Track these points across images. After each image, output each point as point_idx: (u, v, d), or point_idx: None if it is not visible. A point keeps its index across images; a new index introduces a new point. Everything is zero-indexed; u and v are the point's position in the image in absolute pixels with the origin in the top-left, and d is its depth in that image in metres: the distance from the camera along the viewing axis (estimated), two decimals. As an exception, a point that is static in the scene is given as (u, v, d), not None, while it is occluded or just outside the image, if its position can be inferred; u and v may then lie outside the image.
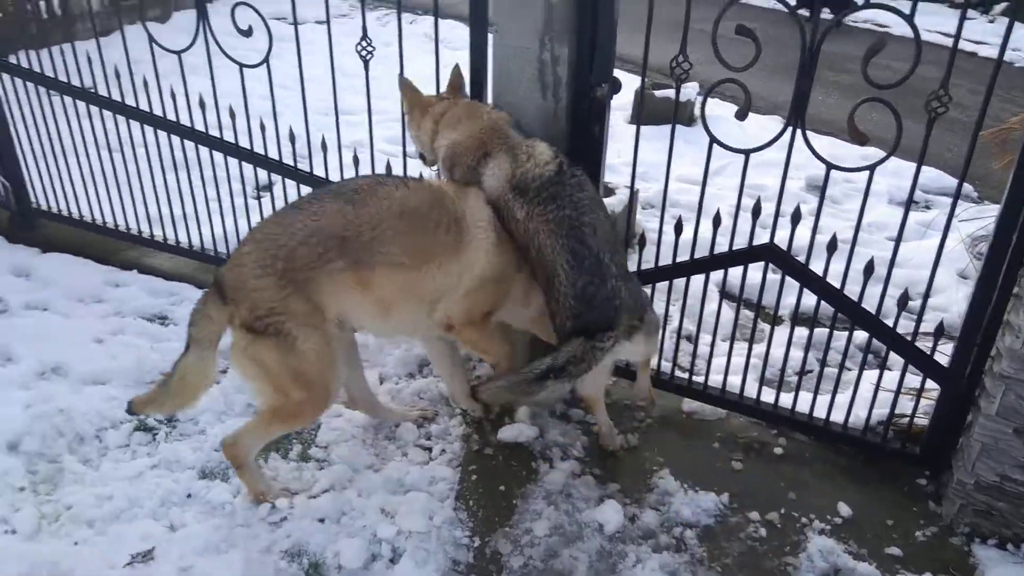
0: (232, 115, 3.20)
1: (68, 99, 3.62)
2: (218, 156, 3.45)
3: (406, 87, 2.80)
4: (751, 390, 2.83)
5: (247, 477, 2.47)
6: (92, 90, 3.52)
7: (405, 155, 3.13)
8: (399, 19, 2.89)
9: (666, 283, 2.86)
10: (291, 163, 3.31)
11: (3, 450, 2.63)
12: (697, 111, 5.90)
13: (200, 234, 3.66)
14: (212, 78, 3.11)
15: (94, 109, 3.60)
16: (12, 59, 3.69)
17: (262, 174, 3.49)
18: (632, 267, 2.91)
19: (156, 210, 3.82)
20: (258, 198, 3.76)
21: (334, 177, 3.15)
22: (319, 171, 3.32)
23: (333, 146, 3.15)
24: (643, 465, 2.70)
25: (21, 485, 2.52)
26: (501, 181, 2.39)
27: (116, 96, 3.45)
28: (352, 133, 3.78)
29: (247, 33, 2.86)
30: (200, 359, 2.32)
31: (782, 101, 6.41)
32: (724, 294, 2.89)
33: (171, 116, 3.38)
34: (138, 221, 3.80)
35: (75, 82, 3.53)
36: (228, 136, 3.35)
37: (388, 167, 3.09)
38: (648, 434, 2.84)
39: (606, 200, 3.92)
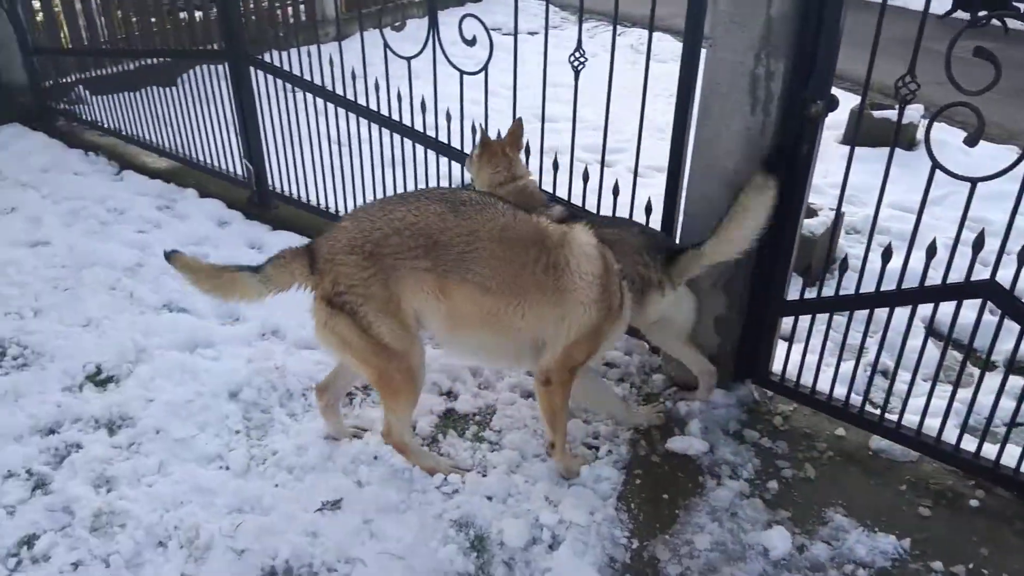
0: (448, 118, 3.45)
1: (307, 96, 4.06)
2: (431, 155, 3.72)
3: (484, 139, 3.09)
4: (950, 436, 2.61)
5: (412, 458, 2.63)
6: (329, 88, 3.92)
7: (603, 163, 3.20)
8: (614, 32, 2.96)
9: (866, 312, 2.71)
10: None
11: (225, 397, 3.01)
12: (919, 135, 5.49)
13: None
14: (435, 82, 3.37)
15: (329, 106, 4.01)
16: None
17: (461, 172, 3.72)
18: (830, 292, 2.81)
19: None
20: None
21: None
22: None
23: (535, 150, 3.30)
24: (818, 497, 2.58)
25: (237, 429, 2.87)
26: None
27: (349, 95, 3.82)
28: (553, 139, 3.91)
29: (471, 43, 3.07)
30: (252, 286, 2.46)
31: (1020, 130, 5.81)
32: (931, 331, 2.69)
33: (395, 116, 3.69)
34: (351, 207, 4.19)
35: (315, 80, 3.95)
36: (442, 137, 3.60)
37: (586, 173, 3.19)
38: (827, 467, 2.71)
39: (807, 221, 3.78)
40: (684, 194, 2.84)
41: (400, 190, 3.85)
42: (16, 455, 2.70)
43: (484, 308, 2.36)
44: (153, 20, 6.35)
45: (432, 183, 3.74)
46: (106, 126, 5.43)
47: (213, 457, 2.72)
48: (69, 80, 5.79)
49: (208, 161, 4.82)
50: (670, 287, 2.62)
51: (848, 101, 3.86)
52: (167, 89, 4.87)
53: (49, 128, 5.62)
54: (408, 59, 3.40)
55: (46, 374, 3.12)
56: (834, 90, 2.52)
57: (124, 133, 5.29)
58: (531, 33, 8.79)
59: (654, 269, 2.60)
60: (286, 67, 4.01)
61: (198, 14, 5.61)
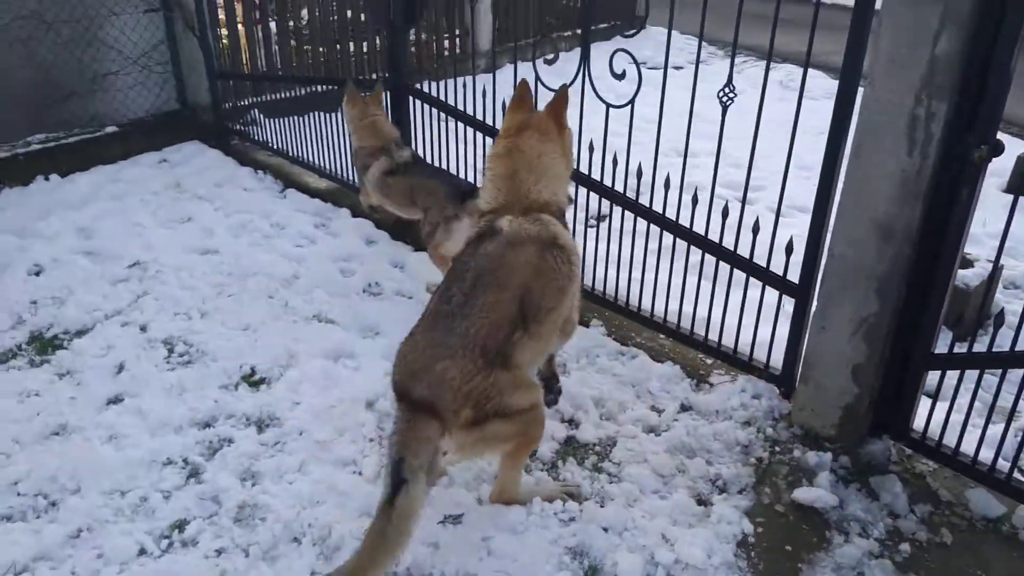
0: (591, 148, 3.53)
1: (458, 124, 4.26)
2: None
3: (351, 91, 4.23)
4: None
5: (524, 500, 2.61)
6: (479, 119, 4.10)
7: (745, 200, 3.17)
8: (767, 68, 2.93)
9: (1021, 372, 2.52)
10: (632, 197, 3.53)
11: (363, 405, 3.19)
12: (1100, 185, 5.03)
13: None
14: (580, 114, 3.46)
15: (478, 134, 4.18)
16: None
17: (600, 204, 3.78)
18: (982, 348, 2.63)
19: None
20: (596, 226, 4.07)
21: (669, 212, 3.32)
22: (662, 208, 3.46)
23: (675, 184, 3.31)
24: (953, 564, 2.42)
25: (371, 437, 3.03)
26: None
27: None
28: (694, 174, 3.89)
29: (620, 76, 3.14)
30: (422, 490, 2.14)
31: None
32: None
33: None
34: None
35: (468, 110, 4.14)
36: (583, 168, 3.67)
37: (725, 209, 3.16)
38: (966, 534, 2.53)
39: (962, 272, 3.56)
40: (829, 235, 2.75)
41: None
42: (175, 444, 2.98)
43: (555, 322, 2.53)
44: (323, 50, 6.88)
45: (570, 213, 3.82)
46: (275, 147, 5.91)
47: (348, 461, 2.89)
48: (246, 103, 6.35)
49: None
50: (464, 216, 3.66)
51: (1015, 147, 3.60)
52: (330, 115, 5.25)
53: (225, 146, 6.18)
54: (555, 91, 3.51)
55: (207, 371, 3.43)
56: (1000, 135, 2.40)
57: (290, 154, 5.73)
58: (676, 68, 8.77)
59: (453, 208, 3.78)
60: (441, 96, 4.24)
61: (363, 45, 6.01)
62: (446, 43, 8.46)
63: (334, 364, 3.46)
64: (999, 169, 5.42)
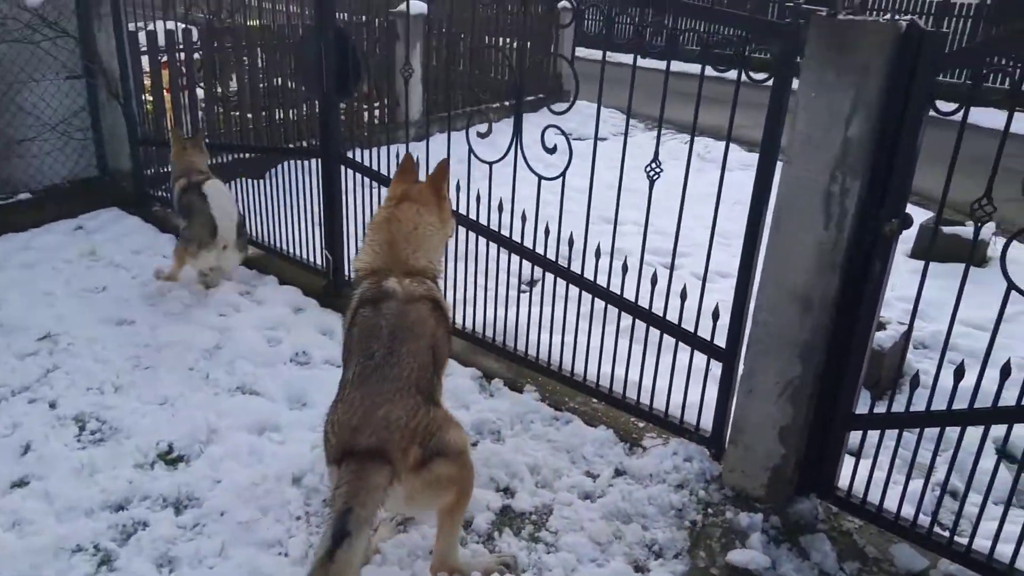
0: (524, 219, 3.60)
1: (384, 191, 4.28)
2: (496, 251, 3.85)
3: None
4: (1005, 554, 2.46)
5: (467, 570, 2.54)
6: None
7: (673, 267, 3.26)
8: (691, 145, 3.07)
9: (936, 430, 2.63)
10: (564, 264, 3.58)
11: (289, 482, 3.06)
12: (990, 251, 5.38)
13: (467, 317, 4.07)
14: (513, 184, 3.52)
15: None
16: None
17: (531, 270, 3.84)
18: (899, 408, 2.74)
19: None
20: (528, 291, 4.10)
21: (600, 279, 3.38)
22: (592, 275, 3.51)
23: (606, 251, 3.40)
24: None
25: (298, 515, 2.91)
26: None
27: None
28: (621, 242, 3.97)
29: (552, 151, 3.22)
30: (363, 547, 2.07)
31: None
32: (1003, 452, 2.59)
33: (473, 216, 3.85)
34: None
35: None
36: (512, 234, 3.73)
37: (654, 276, 3.25)
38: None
39: (877, 334, 3.72)
40: (753, 303, 2.85)
41: (471, 285, 3.99)
42: (86, 529, 2.79)
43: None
44: (251, 116, 6.85)
45: (503, 278, 3.87)
46: (197, 214, 5.78)
47: (273, 543, 2.76)
48: (168, 169, 6.22)
49: (289, 250, 5.07)
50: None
51: (918, 215, 3.83)
52: (256, 181, 5.20)
53: (146, 213, 6.02)
54: (491, 163, 3.58)
55: (121, 449, 3.25)
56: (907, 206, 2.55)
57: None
58: (601, 139, 9.08)
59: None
60: (372, 165, 4.26)
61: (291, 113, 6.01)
62: (377, 112, 8.56)
63: (258, 438, 3.33)
64: (906, 236, 5.74)
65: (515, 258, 3.79)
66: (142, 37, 6.04)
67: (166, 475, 3.11)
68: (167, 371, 3.86)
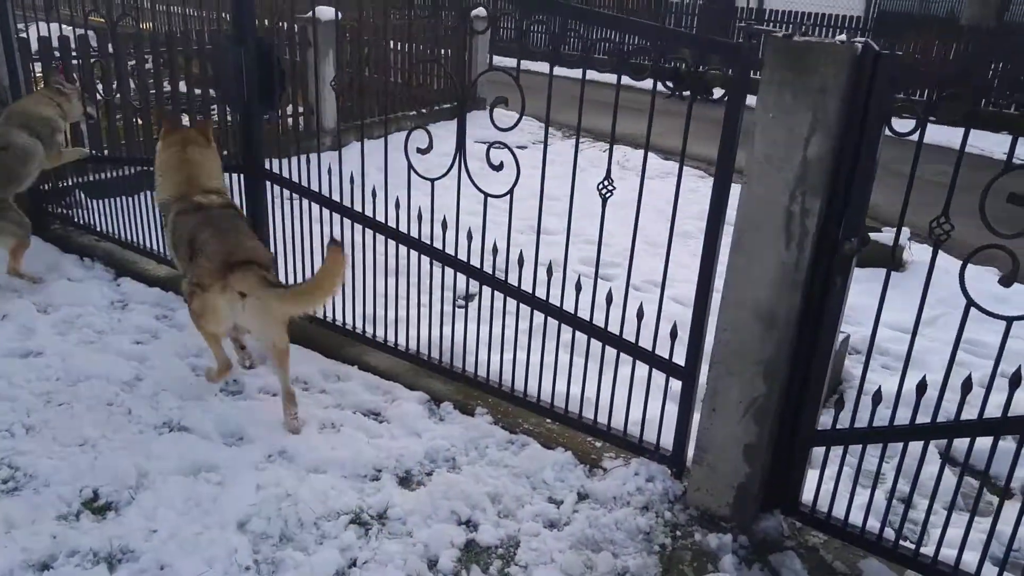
0: (444, 226, 3.52)
1: (308, 203, 4.08)
2: (429, 265, 3.74)
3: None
4: (970, 563, 2.55)
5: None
6: (336, 200, 3.94)
7: (597, 276, 3.24)
8: (610, 150, 3.03)
9: (900, 444, 2.69)
10: (491, 273, 3.51)
11: (234, 527, 2.84)
12: (907, 256, 5.67)
13: (409, 337, 3.92)
14: (458, 201, 3.41)
15: (327, 213, 4.02)
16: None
17: (466, 284, 3.75)
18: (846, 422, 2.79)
19: (373, 311, 4.14)
20: (464, 306, 3.98)
21: (532, 289, 3.33)
22: (518, 283, 3.46)
23: (531, 261, 3.37)
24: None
25: (247, 564, 2.68)
26: None
27: (350, 202, 3.88)
28: (549, 251, 3.92)
29: (498, 168, 3.13)
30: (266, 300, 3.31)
31: None
32: (947, 458, 2.69)
33: (393, 224, 3.73)
34: (355, 320, 4.14)
35: (323, 191, 3.98)
36: (440, 246, 3.63)
37: (578, 283, 3.26)
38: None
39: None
40: (714, 320, 2.84)
41: (402, 298, 3.88)
42: (7, 594, 2.51)
43: None
44: (155, 126, 6.43)
45: (437, 293, 3.76)
46: (103, 230, 5.37)
47: (223, 597, 2.55)
48: (67, 184, 5.76)
49: (208, 269, 4.77)
50: None
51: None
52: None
53: (43, 232, 5.54)
54: (432, 180, 3.46)
55: (40, 500, 2.94)
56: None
57: (122, 238, 5.23)
58: (520, 147, 9.06)
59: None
60: (285, 174, 4.06)
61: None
62: (290, 121, 8.24)
63: (194, 480, 3.08)
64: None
65: (448, 272, 3.69)
66: (33, 42, 5.56)
67: (94, 527, 2.83)
68: (84, 408, 3.53)
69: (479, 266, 3.52)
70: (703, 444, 2.91)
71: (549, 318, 3.38)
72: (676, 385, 3.10)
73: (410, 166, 3.50)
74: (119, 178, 5.49)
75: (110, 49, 5.95)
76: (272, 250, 4.36)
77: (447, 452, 3.30)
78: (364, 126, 3.80)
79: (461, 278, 3.69)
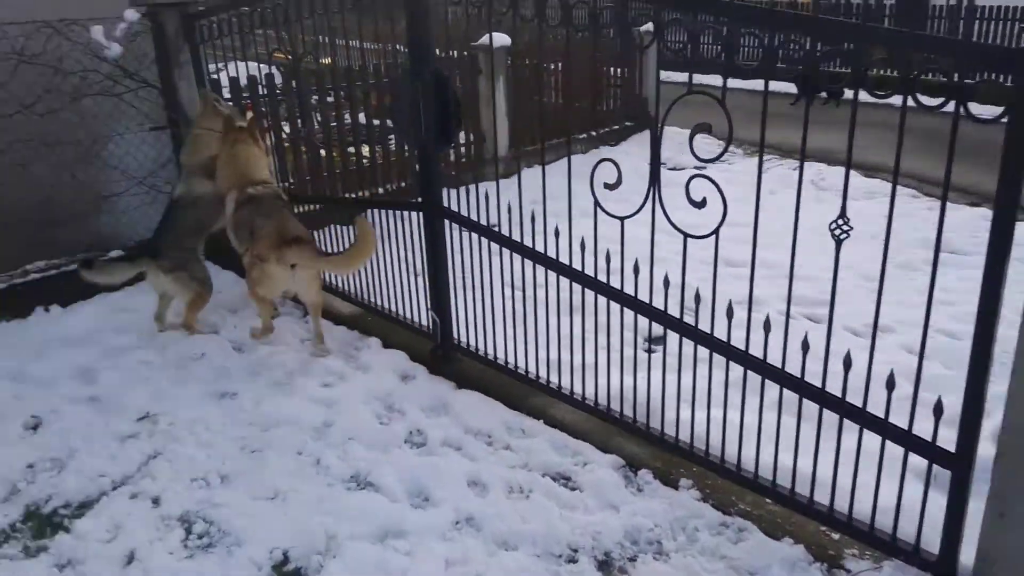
0: (636, 270, 3.16)
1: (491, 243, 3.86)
2: (607, 303, 3.42)
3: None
4: None
5: None
6: (526, 244, 3.70)
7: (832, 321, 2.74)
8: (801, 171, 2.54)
9: None
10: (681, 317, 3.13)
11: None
12: None
13: (596, 387, 3.60)
14: (652, 239, 3.04)
15: (507, 252, 3.79)
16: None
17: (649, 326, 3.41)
18: None
19: (556, 356, 3.85)
20: (654, 352, 3.60)
21: (727, 336, 2.92)
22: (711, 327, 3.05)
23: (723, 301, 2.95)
24: None
25: (437, 648, 2.47)
26: None
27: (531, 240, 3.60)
28: (744, 288, 3.45)
29: (700, 205, 2.75)
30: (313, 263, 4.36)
31: None
32: None
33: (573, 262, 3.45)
34: (539, 366, 3.86)
35: (491, 222, 3.78)
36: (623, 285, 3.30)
37: (805, 343, 2.72)
38: None
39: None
40: (1005, 400, 2.28)
41: (584, 340, 3.58)
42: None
43: None
44: (336, 158, 6.57)
45: (624, 335, 3.46)
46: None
47: None
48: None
49: (389, 308, 4.70)
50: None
51: None
52: (348, 228, 4.86)
53: (238, 267, 5.75)
54: (622, 219, 3.13)
55: (231, 560, 2.88)
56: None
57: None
58: (698, 168, 8.52)
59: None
60: (468, 209, 3.86)
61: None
62: (463, 149, 8.23)
63: (382, 548, 2.91)
64: None
65: (638, 315, 3.33)
66: (224, 78, 5.82)
67: (285, 596, 2.72)
68: (276, 455, 3.50)
69: (669, 309, 3.16)
70: (989, 554, 2.34)
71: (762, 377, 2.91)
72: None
73: (596, 203, 3.17)
74: (305, 215, 5.59)
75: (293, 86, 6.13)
76: (453, 292, 4.21)
77: (650, 533, 2.93)
78: (535, 152, 3.51)
79: (647, 319, 3.33)
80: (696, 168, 2.87)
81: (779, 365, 2.84)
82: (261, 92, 5.99)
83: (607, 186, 3.09)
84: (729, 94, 2.66)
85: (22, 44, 4.86)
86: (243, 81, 5.81)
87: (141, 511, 3.15)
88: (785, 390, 2.83)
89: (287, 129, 6.33)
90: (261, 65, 5.80)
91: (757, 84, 2.70)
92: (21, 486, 3.34)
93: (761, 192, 2.78)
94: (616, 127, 10.21)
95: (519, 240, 3.69)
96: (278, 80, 6.14)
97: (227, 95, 5.75)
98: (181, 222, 4.72)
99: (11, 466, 3.44)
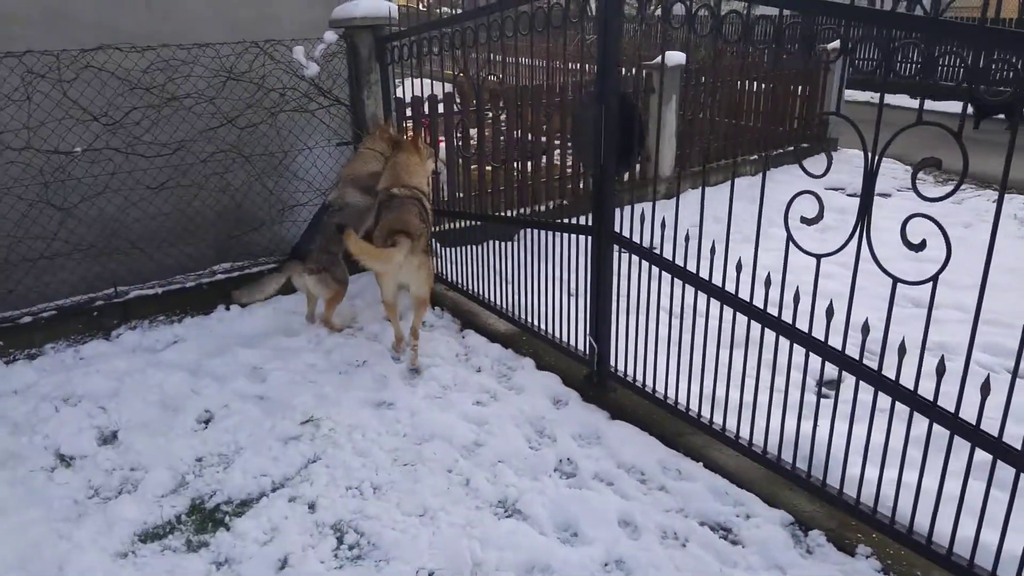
0: (796, 299, 2.91)
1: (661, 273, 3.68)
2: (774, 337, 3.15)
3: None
4: None
5: None
6: (683, 267, 3.50)
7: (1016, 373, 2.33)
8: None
9: None
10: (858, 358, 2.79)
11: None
12: None
13: (755, 428, 3.33)
14: (852, 285, 2.76)
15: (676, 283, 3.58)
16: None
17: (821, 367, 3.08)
18: None
19: (711, 389, 3.59)
20: (827, 396, 3.27)
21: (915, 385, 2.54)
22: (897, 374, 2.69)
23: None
24: None
25: None
26: None
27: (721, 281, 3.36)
28: (935, 333, 3.03)
29: (919, 247, 2.44)
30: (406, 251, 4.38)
31: None
32: None
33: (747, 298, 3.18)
34: (700, 402, 3.61)
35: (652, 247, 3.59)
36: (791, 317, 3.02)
37: (986, 385, 2.33)
38: None
39: None
40: None
41: (742, 375, 3.32)
42: None
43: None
44: (502, 174, 6.60)
45: (790, 374, 3.16)
46: (450, 280, 5.57)
47: None
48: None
49: (545, 328, 4.62)
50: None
51: None
52: (505, 244, 4.86)
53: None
54: (818, 256, 2.86)
55: (379, 575, 2.90)
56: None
57: (467, 290, 5.35)
58: (883, 195, 7.85)
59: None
60: (643, 238, 3.70)
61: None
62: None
63: (529, 583, 2.82)
64: None
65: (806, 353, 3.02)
66: (400, 94, 6.01)
67: (429, 620, 2.69)
68: (427, 471, 3.51)
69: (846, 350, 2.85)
70: None
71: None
72: None
73: (790, 238, 2.92)
74: (466, 229, 5.66)
75: (472, 105, 6.25)
76: (615, 320, 4.06)
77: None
78: (699, 173, 3.31)
79: (816, 359, 3.02)
80: (881, 195, 2.58)
81: (973, 422, 2.48)
82: (439, 109, 6.15)
83: (804, 220, 2.83)
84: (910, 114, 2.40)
85: (232, 63, 5.26)
86: (420, 96, 6.00)
87: (297, 515, 3.24)
88: (977, 450, 2.47)
89: (461, 145, 6.45)
90: (434, 82, 5.95)
91: (947, 106, 2.37)
92: (189, 479, 3.54)
93: (954, 226, 2.43)
94: (792, 148, 9.66)
95: (690, 270, 3.48)
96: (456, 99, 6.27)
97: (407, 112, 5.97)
98: (329, 228, 4.93)
99: (182, 458, 3.67)
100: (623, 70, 7.68)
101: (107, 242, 5.16)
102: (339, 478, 3.49)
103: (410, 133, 5.43)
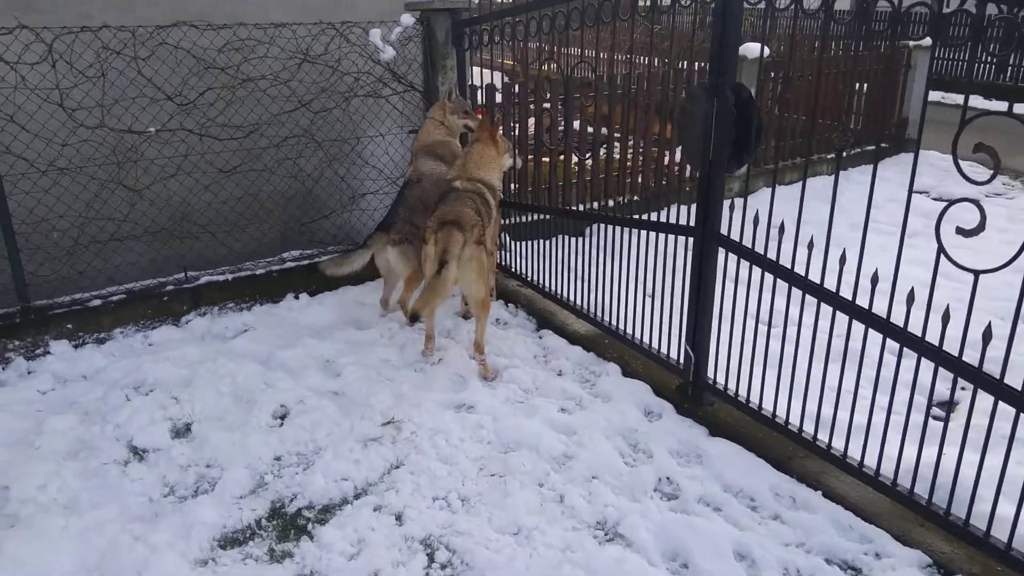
0: (910, 299, 2.65)
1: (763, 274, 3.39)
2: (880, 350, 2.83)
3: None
4: None
5: None
6: (791, 270, 3.20)
7: None
8: None
9: None
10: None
11: None
12: None
13: (868, 450, 3.05)
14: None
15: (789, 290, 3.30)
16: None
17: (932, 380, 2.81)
18: None
19: (816, 408, 3.30)
20: (939, 417, 2.94)
21: None
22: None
23: None
24: None
25: None
26: None
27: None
28: None
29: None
30: (454, 269, 4.03)
31: None
32: None
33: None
34: (811, 423, 3.33)
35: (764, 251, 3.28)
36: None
37: None
38: None
39: None
40: None
41: (853, 394, 3.02)
42: None
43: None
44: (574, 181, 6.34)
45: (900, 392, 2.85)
46: (524, 276, 5.33)
47: None
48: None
49: (630, 332, 4.35)
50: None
51: None
52: (576, 239, 4.64)
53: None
54: (976, 272, 2.55)
55: (477, 602, 2.68)
56: None
57: (543, 287, 5.11)
58: (971, 200, 7.38)
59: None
60: (750, 243, 3.41)
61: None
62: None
63: (641, 621, 2.57)
64: None
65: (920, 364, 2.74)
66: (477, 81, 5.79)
67: (534, 659, 2.46)
68: (516, 484, 3.28)
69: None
70: None
71: None
72: None
73: (942, 251, 2.63)
74: (538, 222, 5.42)
75: (546, 98, 5.99)
76: (716, 327, 3.78)
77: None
78: (775, 170, 3.01)
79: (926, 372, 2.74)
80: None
81: None
82: (512, 99, 5.90)
83: (961, 231, 2.53)
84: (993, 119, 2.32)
85: (308, 44, 5.06)
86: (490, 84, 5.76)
87: (384, 526, 3.04)
88: None
89: (533, 135, 6.20)
90: (485, 71, 5.71)
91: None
92: (268, 479, 3.36)
93: None
94: (871, 148, 9.22)
95: (813, 280, 3.19)
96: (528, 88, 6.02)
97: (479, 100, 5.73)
98: (410, 199, 4.76)
99: (260, 457, 3.49)
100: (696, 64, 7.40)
101: (177, 225, 5.01)
102: (424, 487, 3.28)
103: (494, 126, 5.13)
